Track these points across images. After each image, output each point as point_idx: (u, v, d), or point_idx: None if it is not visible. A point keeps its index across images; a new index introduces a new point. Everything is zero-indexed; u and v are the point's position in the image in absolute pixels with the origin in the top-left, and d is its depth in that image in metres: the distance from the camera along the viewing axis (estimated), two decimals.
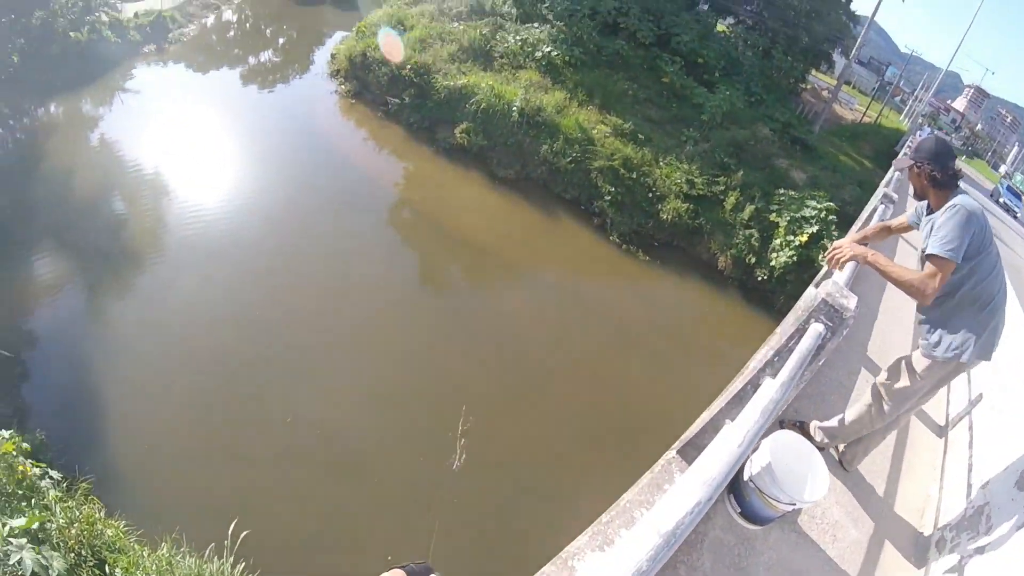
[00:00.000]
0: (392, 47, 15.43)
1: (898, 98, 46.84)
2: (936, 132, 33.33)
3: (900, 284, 2.89)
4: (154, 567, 5.51)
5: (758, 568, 2.87)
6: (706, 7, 24.12)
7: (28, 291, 10.49)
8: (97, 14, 18.19)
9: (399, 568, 0.99)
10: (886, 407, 3.24)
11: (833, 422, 3.55)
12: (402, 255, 12.12)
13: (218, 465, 7.39)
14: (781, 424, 3.70)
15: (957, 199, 2.86)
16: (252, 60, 18.72)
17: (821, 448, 3.57)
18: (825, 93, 29.79)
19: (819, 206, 13.82)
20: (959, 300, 2.93)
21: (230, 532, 5.68)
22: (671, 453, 3.11)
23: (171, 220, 12.24)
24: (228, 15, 21.96)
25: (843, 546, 3.15)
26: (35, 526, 4.67)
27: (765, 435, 2.71)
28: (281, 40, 20.02)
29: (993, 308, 2.92)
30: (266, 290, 10.36)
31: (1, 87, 15.93)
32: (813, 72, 28.22)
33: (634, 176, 14.11)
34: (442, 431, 8.09)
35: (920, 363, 3.10)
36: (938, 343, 2.99)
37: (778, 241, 13.54)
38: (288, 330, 9.50)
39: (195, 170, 13.62)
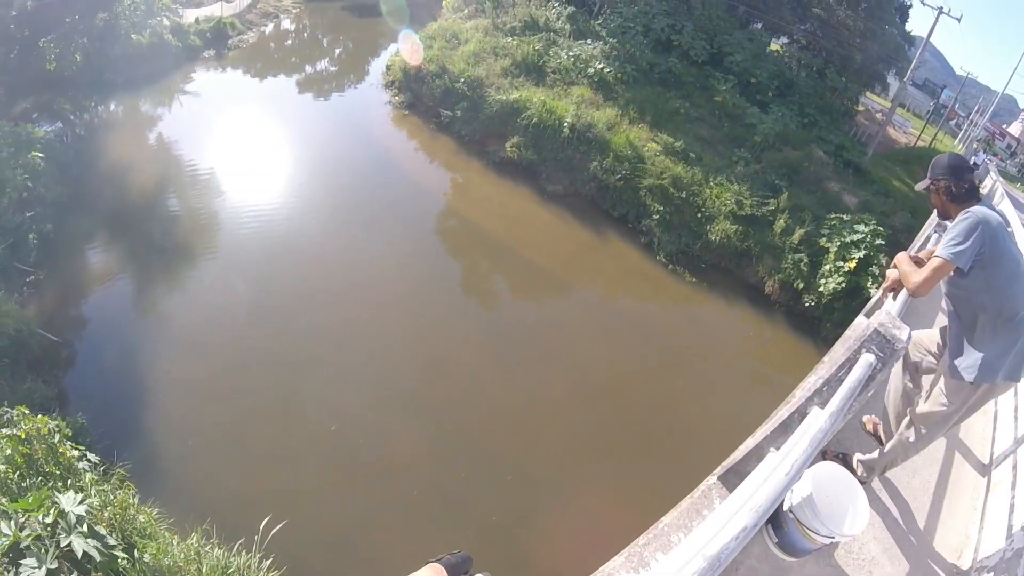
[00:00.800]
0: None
1: (953, 122, 45.52)
2: (991, 158, 32.30)
3: (901, 278, 2.93)
4: (182, 555, 5.63)
5: None
6: (759, 26, 23.85)
7: (80, 279, 10.91)
8: (159, 18, 18.83)
9: (436, 561, 0.96)
10: (922, 433, 3.16)
11: (874, 454, 3.47)
12: (448, 264, 12.24)
13: (254, 462, 7.51)
14: (823, 455, 3.62)
15: (972, 207, 2.80)
16: (308, 68, 19.21)
17: (863, 482, 3.48)
18: (879, 115, 29.13)
19: (866, 229, 13.47)
20: (983, 318, 2.84)
21: (261, 527, 5.78)
22: (712, 479, 3.06)
23: (224, 219, 12.58)
24: (286, 24, 22.61)
25: None
26: (82, 510, 4.84)
27: (808, 465, 2.65)
28: (338, 50, 20.52)
29: (1019, 326, 2.80)
30: (313, 292, 10.56)
31: (64, 84, 16.61)
32: (867, 94, 27.66)
33: (683, 195, 13.99)
34: (482, 443, 8.12)
35: (948, 386, 3.01)
36: (964, 364, 2.90)
37: (827, 267, 13.24)
38: (332, 334, 9.66)
39: (249, 172, 13.99)
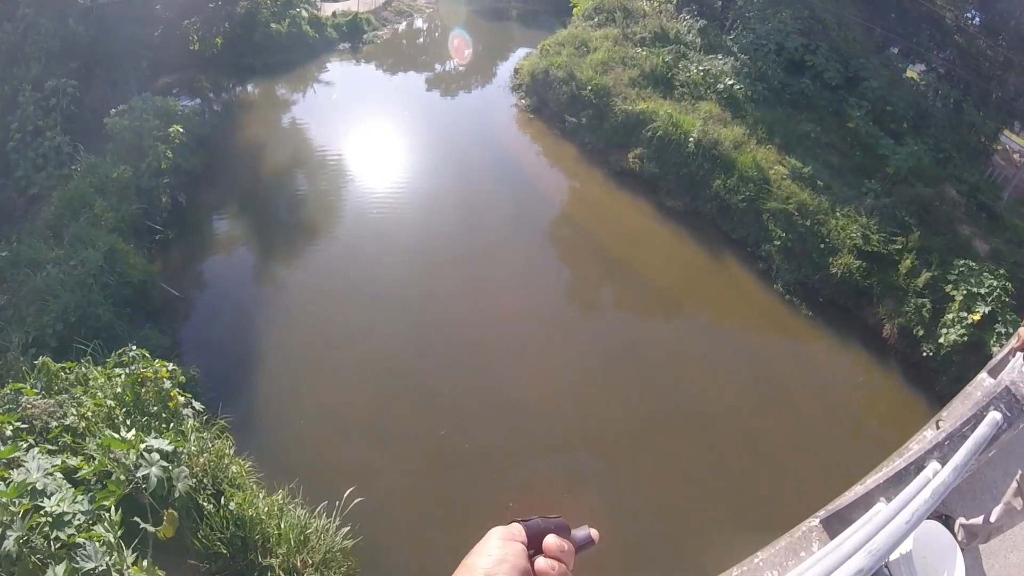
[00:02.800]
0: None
1: None
2: None
3: None
4: (265, 509, 6.02)
5: None
6: (896, 51, 22.68)
7: (205, 244, 11.78)
8: (298, 9, 19.87)
9: (519, 521, 0.89)
10: None
11: (978, 520, 3.31)
12: (559, 270, 12.40)
13: (347, 435, 7.93)
14: None
15: None
16: (438, 67, 19.82)
17: (962, 547, 3.33)
18: (1017, 156, 27.11)
19: (996, 284, 12.62)
20: None
21: (344, 496, 6.10)
22: (813, 521, 3.02)
23: (348, 204, 13.21)
24: (419, 23, 23.40)
25: None
26: (168, 448, 5.26)
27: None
28: (467, 51, 21.05)
29: None
30: (425, 281, 10.99)
31: (204, 65, 17.81)
32: (1005, 132, 25.81)
33: (807, 223, 13.57)
34: (568, 455, 8.19)
35: None
36: None
37: (950, 316, 12.47)
38: (437, 322, 10.02)
39: (375, 161, 14.58)
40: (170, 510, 4.86)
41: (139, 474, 4.93)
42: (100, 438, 5.29)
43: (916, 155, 16.20)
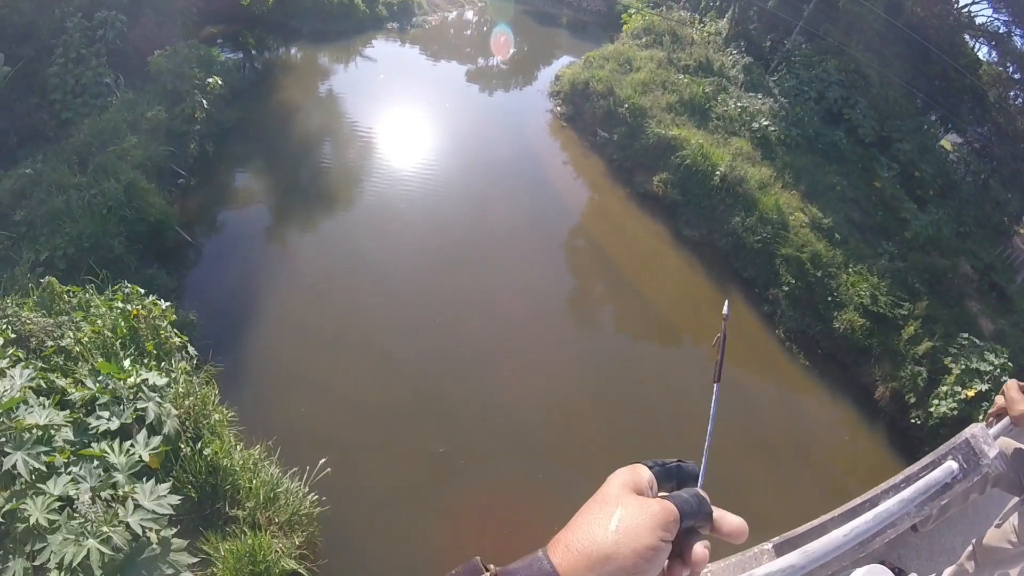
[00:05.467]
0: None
1: None
2: None
3: (1007, 405, 2.88)
4: (240, 461, 6.09)
5: None
6: (934, 118, 22.69)
7: (225, 196, 11.87)
8: None
9: (643, 464, 0.75)
10: (983, 568, 3.05)
11: None
12: (568, 281, 12.42)
13: (332, 407, 7.97)
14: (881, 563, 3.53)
15: None
16: (480, 61, 19.90)
17: None
18: None
19: (996, 361, 12.61)
20: None
21: (319, 465, 6.17)
22: (767, 545, 3.04)
23: (371, 180, 13.27)
24: (469, 15, 23.49)
25: None
26: (162, 382, 5.37)
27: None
28: (512, 50, 21.14)
29: None
30: (433, 270, 11.04)
31: (252, 21, 17.90)
32: None
33: (818, 274, 13.60)
34: (538, 461, 8.19)
35: (1022, 524, 2.88)
36: None
37: (945, 388, 12.45)
38: (438, 314, 10.05)
39: (404, 143, 14.64)
40: (161, 444, 4.96)
41: (138, 405, 5.05)
42: (98, 363, 5.39)
43: (936, 224, 16.23)
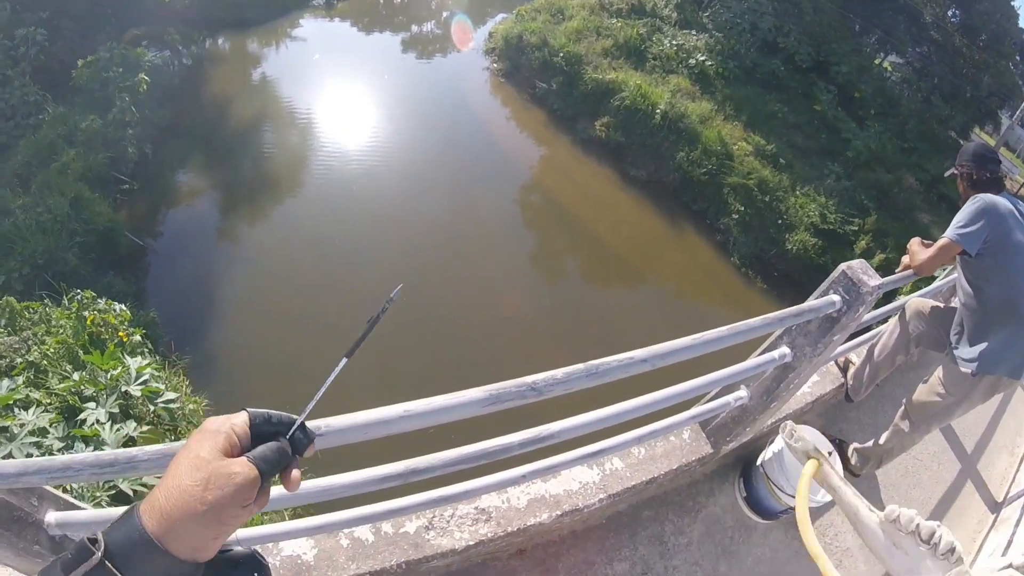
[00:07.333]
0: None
1: None
2: None
3: (908, 257, 3.06)
4: None
5: (747, 557, 2.84)
6: (872, 40, 22.94)
7: (170, 196, 11.74)
8: None
9: (246, 411, 0.79)
10: (917, 425, 3.12)
11: (869, 443, 3.41)
12: (523, 235, 12.44)
13: (300, 388, 7.94)
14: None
15: (982, 194, 2.79)
16: (415, 28, 19.59)
17: (855, 474, 3.44)
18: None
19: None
20: (990, 308, 2.79)
21: None
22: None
23: (313, 162, 13.12)
24: None
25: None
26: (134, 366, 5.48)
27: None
28: (445, 14, 20.84)
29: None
30: (386, 240, 10.99)
31: (175, 19, 17.38)
32: (976, 130, 26.29)
33: (767, 199, 13.77)
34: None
35: (947, 376, 2.96)
36: (965, 355, 2.85)
37: (902, 296, 12.85)
38: (397, 279, 9.96)
39: (344, 121, 14.46)
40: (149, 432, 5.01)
41: (122, 389, 5.08)
42: (84, 356, 5.44)
43: (878, 140, 16.49)
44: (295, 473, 0.77)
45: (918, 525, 1.18)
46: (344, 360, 0.85)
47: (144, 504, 0.64)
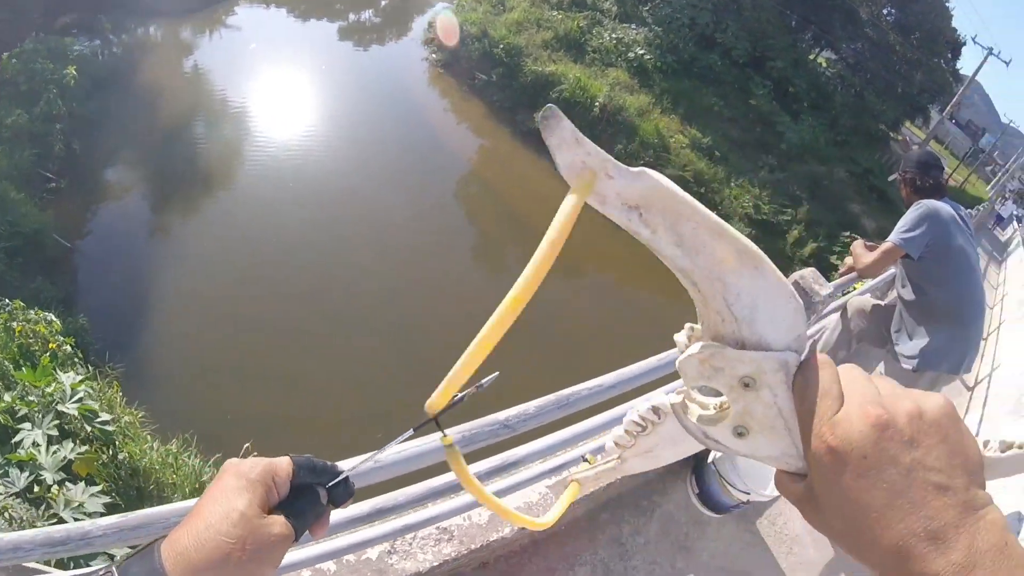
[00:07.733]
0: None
1: (989, 168, 44.75)
2: (1022, 212, 31.77)
3: (853, 260, 3.09)
4: (159, 458, 5.91)
5: (702, 552, 2.89)
6: (808, 36, 23.59)
7: (99, 193, 11.24)
8: None
9: (290, 457, 0.82)
10: None
11: None
12: (462, 227, 12.36)
13: (245, 385, 7.73)
14: None
15: (925, 200, 2.85)
16: (352, 16, 19.23)
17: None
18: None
19: None
20: (930, 308, 2.90)
21: (243, 450, 6.01)
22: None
23: (247, 155, 12.76)
24: None
25: (795, 561, 3.03)
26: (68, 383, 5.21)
27: None
28: (383, 2, 20.52)
29: (963, 319, 2.87)
30: (327, 233, 10.75)
31: (107, 6, 16.70)
32: (907, 124, 27.33)
33: (702, 191, 14.03)
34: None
35: (888, 372, 3.07)
36: (906, 351, 2.95)
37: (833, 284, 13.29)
38: (339, 274, 9.86)
39: (279, 113, 14.10)
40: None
41: (57, 408, 4.80)
42: (15, 373, 5.11)
43: (811, 133, 17.00)
44: (325, 521, 0.72)
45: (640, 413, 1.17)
46: (410, 432, 0.75)
47: (167, 548, 0.57)
